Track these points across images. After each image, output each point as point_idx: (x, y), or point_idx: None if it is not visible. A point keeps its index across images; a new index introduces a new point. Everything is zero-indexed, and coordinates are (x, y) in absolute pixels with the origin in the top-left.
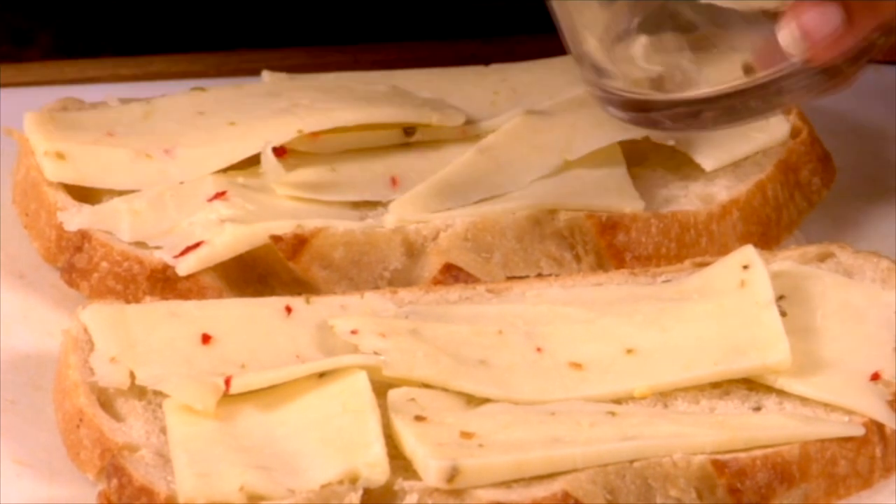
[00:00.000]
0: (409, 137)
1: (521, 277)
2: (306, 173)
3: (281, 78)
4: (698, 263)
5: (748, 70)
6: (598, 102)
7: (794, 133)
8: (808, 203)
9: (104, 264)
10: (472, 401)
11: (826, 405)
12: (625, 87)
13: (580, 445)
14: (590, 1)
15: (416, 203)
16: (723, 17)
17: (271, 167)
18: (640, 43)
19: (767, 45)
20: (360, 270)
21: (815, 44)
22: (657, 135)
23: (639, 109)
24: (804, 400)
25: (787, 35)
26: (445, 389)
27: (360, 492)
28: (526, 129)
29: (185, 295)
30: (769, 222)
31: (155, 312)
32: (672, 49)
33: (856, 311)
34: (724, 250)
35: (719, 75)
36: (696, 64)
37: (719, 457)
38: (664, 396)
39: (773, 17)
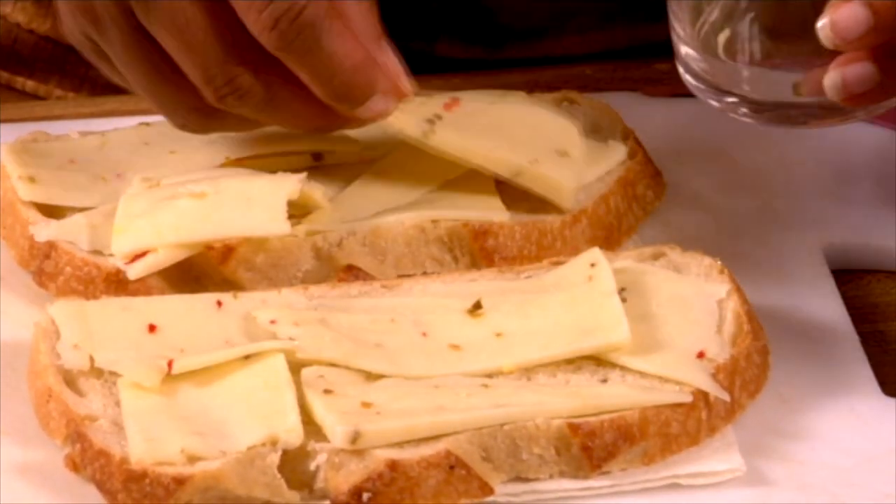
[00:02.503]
0: (317, 162)
1: (409, 275)
2: None
3: None
4: (554, 262)
5: (796, 87)
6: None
7: (631, 155)
8: (643, 212)
9: (68, 269)
10: (371, 377)
11: (660, 378)
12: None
13: (459, 412)
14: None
15: (323, 216)
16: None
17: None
18: (724, 35)
19: (816, 74)
20: (278, 272)
21: (853, 97)
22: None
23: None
24: (643, 374)
25: (829, 80)
26: (348, 368)
27: (280, 452)
28: (412, 153)
29: (134, 293)
30: (612, 228)
31: (110, 307)
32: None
33: (684, 301)
34: (574, 251)
35: (767, 84)
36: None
37: (573, 420)
38: (527, 371)
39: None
